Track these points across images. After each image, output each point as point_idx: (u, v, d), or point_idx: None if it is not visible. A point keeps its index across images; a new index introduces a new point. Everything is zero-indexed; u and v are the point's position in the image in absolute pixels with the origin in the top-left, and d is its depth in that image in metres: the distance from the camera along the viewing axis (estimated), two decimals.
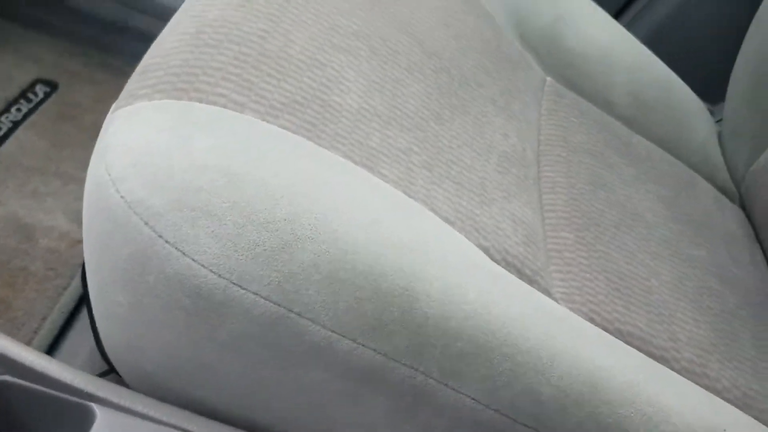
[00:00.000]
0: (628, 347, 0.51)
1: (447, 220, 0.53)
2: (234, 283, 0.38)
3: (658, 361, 0.52)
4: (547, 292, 0.54)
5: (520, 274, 0.53)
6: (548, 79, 0.78)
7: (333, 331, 0.39)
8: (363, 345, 0.39)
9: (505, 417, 0.41)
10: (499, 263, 0.53)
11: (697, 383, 0.53)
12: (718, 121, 0.84)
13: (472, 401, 0.40)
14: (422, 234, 0.46)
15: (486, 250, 0.53)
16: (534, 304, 0.49)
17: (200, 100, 0.47)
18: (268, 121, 0.47)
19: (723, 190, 0.77)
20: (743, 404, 0.54)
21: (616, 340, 0.51)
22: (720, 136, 0.83)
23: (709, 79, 0.86)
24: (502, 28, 0.76)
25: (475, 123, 0.64)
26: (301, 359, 0.40)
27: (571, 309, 0.53)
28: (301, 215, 0.40)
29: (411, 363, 0.40)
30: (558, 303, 0.53)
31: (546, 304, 0.50)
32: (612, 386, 0.42)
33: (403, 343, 0.39)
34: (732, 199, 0.78)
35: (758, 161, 0.73)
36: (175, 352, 0.42)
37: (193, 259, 0.38)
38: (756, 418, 0.54)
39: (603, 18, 0.85)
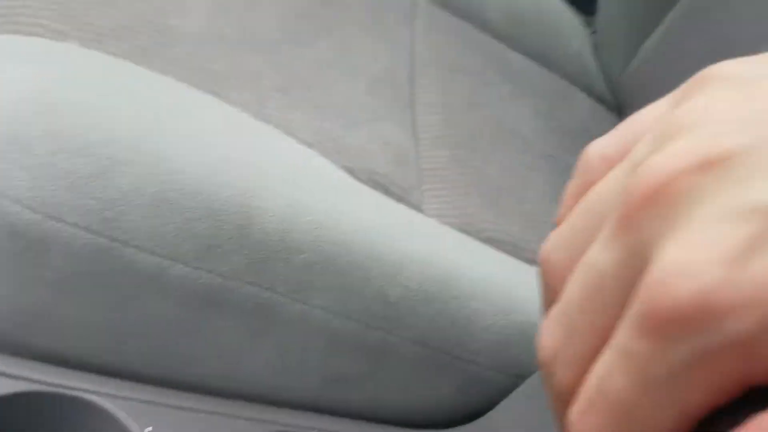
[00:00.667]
0: (496, 251, 0.51)
1: (305, 143, 0.51)
2: (50, 217, 0.35)
3: (531, 265, 0.52)
4: (417, 208, 0.53)
5: (388, 193, 0.52)
6: None
7: (163, 257, 0.36)
8: (198, 268, 0.37)
9: (357, 323, 0.39)
10: (365, 183, 0.51)
11: None
12: (594, 33, 0.84)
13: (322, 311, 0.39)
14: (264, 153, 0.43)
15: (351, 171, 0.51)
16: (397, 217, 0.47)
17: (17, 32, 0.44)
18: (91, 48, 0.44)
19: (601, 100, 0.77)
20: None
21: (484, 245, 0.51)
22: (595, 46, 0.83)
23: None
24: None
25: (340, 45, 0.62)
26: (135, 292, 0.37)
27: (442, 223, 0.52)
28: (119, 138, 0.37)
29: (253, 280, 0.38)
30: (428, 218, 0.52)
31: (412, 218, 0.49)
32: (463, 283, 0.42)
33: (242, 261, 0.37)
34: (610, 108, 0.78)
35: (630, 65, 0.74)
36: (7, 300, 0.39)
37: (5, 195, 0.35)
38: None
39: None
